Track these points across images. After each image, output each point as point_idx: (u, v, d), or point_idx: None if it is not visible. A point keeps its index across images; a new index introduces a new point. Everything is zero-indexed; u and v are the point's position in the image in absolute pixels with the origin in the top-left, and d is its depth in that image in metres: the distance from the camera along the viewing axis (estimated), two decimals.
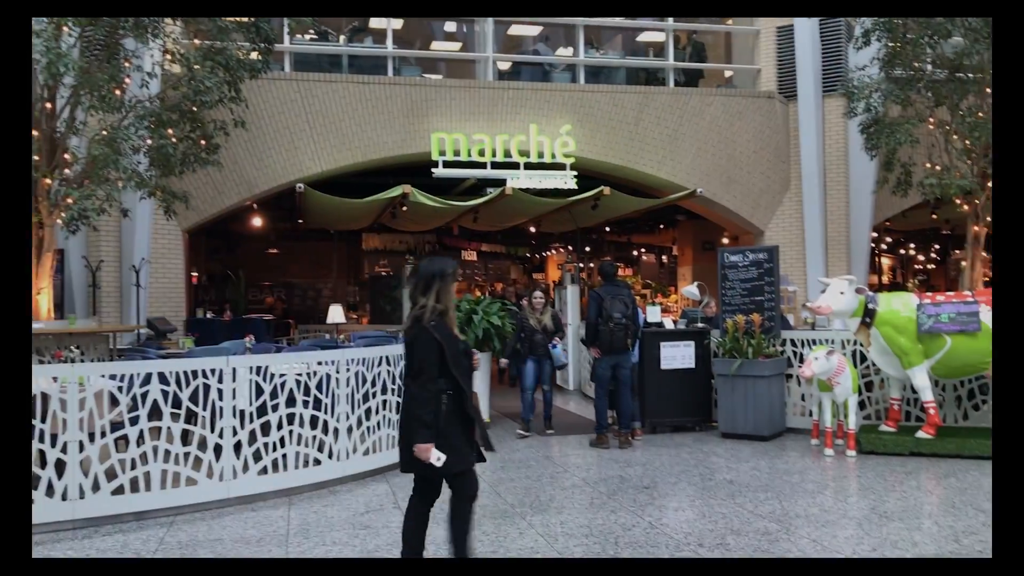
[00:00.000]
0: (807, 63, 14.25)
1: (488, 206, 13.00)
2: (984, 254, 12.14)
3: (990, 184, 11.35)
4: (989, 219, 11.88)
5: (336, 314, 12.64)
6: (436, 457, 3.94)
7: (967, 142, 11.52)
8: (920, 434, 7.93)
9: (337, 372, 7.06)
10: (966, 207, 11.96)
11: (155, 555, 5.14)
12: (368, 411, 7.30)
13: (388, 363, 7.52)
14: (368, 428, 7.34)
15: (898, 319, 7.94)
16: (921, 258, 24.32)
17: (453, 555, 4.20)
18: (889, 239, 22.29)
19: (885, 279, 22.70)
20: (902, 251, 24.02)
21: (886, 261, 23.65)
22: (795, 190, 14.65)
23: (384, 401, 7.48)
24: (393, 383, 7.60)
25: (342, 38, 14.32)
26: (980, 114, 11.32)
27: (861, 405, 8.66)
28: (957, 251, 16.74)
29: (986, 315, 7.70)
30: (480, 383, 10.03)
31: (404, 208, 13.10)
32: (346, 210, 13.47)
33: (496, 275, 24.34)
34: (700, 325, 9.85)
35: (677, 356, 9.51)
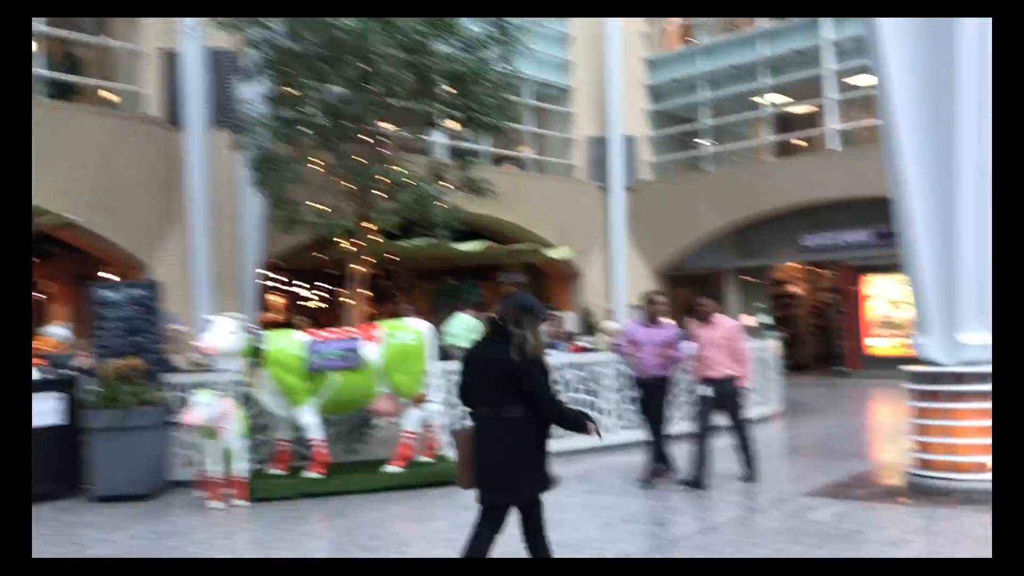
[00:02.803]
0: (195, 91, 13.68)
1: None
2: (366, 292, 12.93)
3: (365, 224, 12.12)
4: (368, 259, 12.70)
5: None
6: (594, 429, 4.28)
7: (350, 185, 12.14)
8: (308, 473, 7.80)
9: None
10: (349, 247, 12.58)
11: None
12: None
13: None
14: None
15: (286, 357, 7.72)
16: (313, 296, 25.47)
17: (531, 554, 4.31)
18: (284, 277, 22.83)
19: (280, 317, 23.18)
20: (294, 289, 24.85)
21: (279, 299, 24.21)
22: (183, 223, 13.89)
23: None
24: None
25: None
26: (361, 159, 12.02)
27: (256, 449, 8.22)
28: (343, 289, 17.79)
29: (368, 351, 7.91)
30: None
31: None
32: None
33: None
34: (70, 372, 8.47)
35: (39, 411, 7.96)
